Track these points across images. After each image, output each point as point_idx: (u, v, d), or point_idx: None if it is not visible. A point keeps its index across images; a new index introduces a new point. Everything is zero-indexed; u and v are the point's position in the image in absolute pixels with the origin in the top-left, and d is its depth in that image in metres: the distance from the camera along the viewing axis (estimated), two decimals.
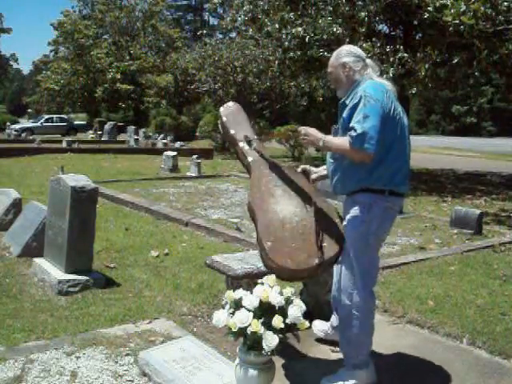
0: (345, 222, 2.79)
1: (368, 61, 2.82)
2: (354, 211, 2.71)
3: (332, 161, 2.84)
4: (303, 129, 2.85)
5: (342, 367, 2.80)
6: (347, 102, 2.71)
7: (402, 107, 2.76)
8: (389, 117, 2.60)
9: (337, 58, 2.80)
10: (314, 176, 3.09)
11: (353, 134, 2.55)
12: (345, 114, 2.69)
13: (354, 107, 2.61)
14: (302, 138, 2.84)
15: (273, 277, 2.38)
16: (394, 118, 2.64)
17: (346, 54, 2.79)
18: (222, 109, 3.46)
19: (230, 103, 3.47)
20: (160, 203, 8.01)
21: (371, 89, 2.63)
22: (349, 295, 2.73)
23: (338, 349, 2.94)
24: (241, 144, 3.29)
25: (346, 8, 10.64)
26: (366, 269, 2.72)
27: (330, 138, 2.75)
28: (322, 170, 3.07)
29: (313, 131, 2.80)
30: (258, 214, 2.87)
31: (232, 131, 3.35)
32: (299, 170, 3.18)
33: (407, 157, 2.74)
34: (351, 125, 2.58)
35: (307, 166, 3.19)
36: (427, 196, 10.28)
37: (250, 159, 3.20)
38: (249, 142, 3.29)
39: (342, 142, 2.66)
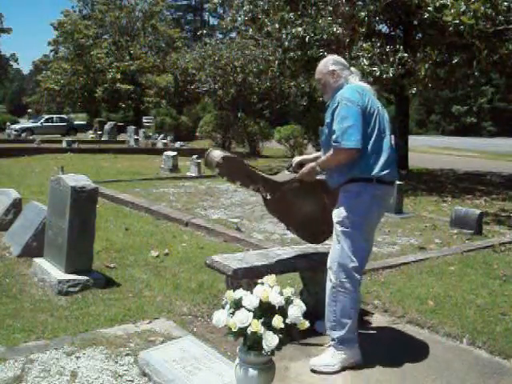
0: (335, 209, 3.06)
1: (352, 68, 3.19)
2: (344, 199, 2.99)
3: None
4: (303, 173, 3.24)
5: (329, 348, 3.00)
6: (330, 104, 3.04)
7: (381, 104, 3.08)
8: (365, 113, 2.91)
9: (325, 66, 3.12)
10: (297, 160, 3.46)
11: (334, 137, 2.89)
12: (328, 118, 3.02)
13: (334, 111, 2.95)
14: (306, 174, 3.22)
15: (273, 277, 2.38)
16: (371, 114, 2.94)
17: (334, 62, 3.12)
18: (217, 170, 3.21)
19: (215, 157, 3.12)
20: (160, 203, 8.02)
21: (347, 92, 2.96)
22: (334, 273, 2.99)
23: (328, 344, 3.05)
24: (251, 186, 3.38)
25: (346, 8, 10.64)
26: (353, 251, 2.96)
27: (321, 159, 3.11)
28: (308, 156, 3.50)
29: (308, 167, 3.19)
30: (285, 220, 3.54)
31: (238, 182, 3.36)
32: (294, 162, 3.45)
33: (388, 147, 2.98)
34: (333, 129, 2.92)
35: (297, 159, 3.49)
36: (427, 196, 10.28)
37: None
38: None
39: (329, 153, 2.99)
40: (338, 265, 2.97)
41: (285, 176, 3.43)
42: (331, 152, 2.94)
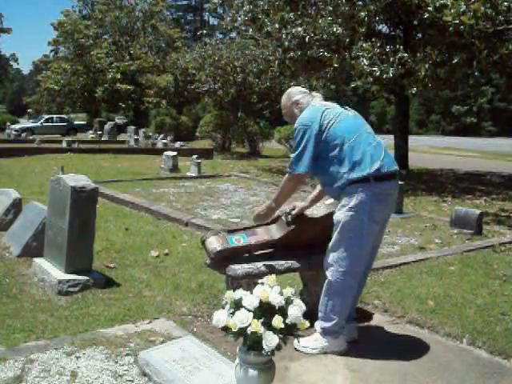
0: (336, 211, 3.08)
1: (313, 93, 3.33)
2: (343, 201, 3.01)
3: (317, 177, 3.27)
4: (259, 215, 3.39)
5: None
6: None
7: (346, 108, 3.19)
8: (325, 128, 3.00)
9: (289, 99, 3.26)
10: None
11: (288, 164, 3.08)
12: None
13: (294, 137, 3.11)
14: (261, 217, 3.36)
15: (273, 277, 2.38)
16: (334, 122, 3.03)
17: (296, 93, 3.27)
18: (212, 261, 3.40)
19: (210, 250, 3.29)
20: (160, 203, 8.01)
21: (302, 116, 3.11)
22: (331, 271, 3.06)
23: (315, 328, 3.15)
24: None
25: (346, 8, 10.64)
26: (352, 259, 3.01)
27: (275, 196, 3.26)
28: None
29: (265, 209, 3.33)
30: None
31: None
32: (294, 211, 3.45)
33: (369, 142, 3.02)
34: None
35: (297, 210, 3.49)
36: (427, 196, 10.29)
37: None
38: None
39: (281, 183, 3.21)
40: (336, 265, 3.03)
41: (280, 228, 3.43)
42: (284, 180, 3.17)
